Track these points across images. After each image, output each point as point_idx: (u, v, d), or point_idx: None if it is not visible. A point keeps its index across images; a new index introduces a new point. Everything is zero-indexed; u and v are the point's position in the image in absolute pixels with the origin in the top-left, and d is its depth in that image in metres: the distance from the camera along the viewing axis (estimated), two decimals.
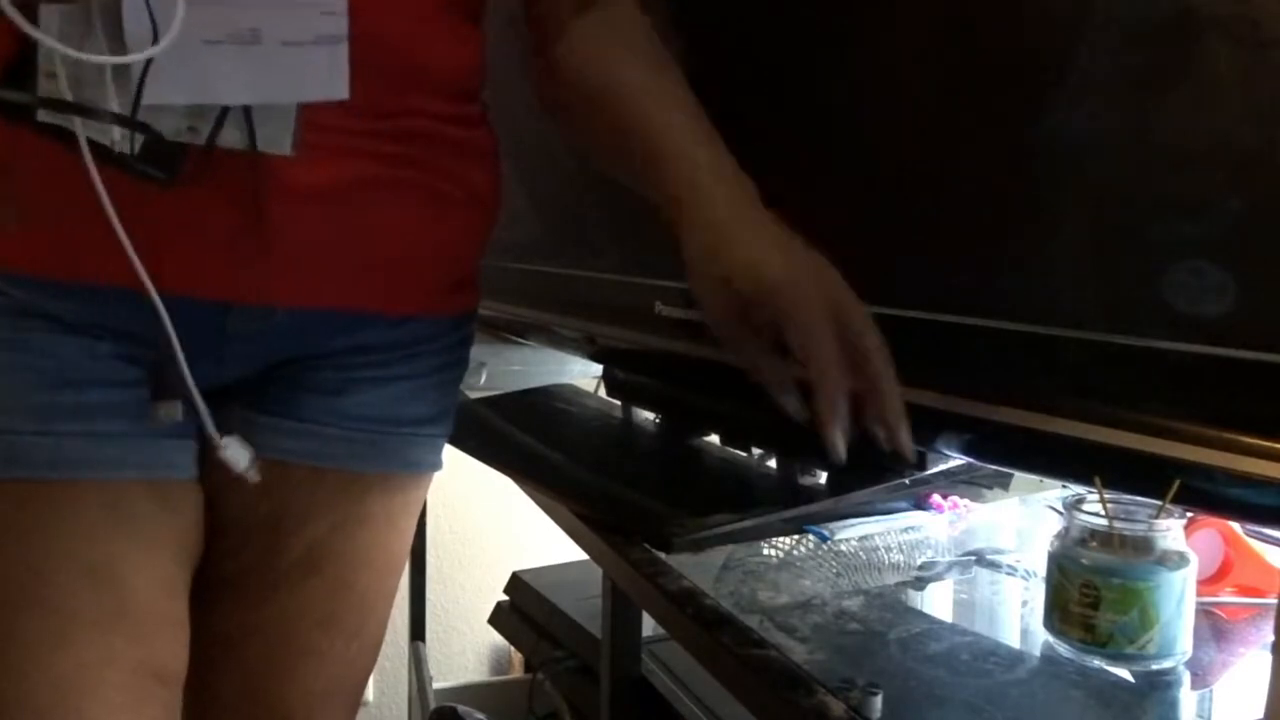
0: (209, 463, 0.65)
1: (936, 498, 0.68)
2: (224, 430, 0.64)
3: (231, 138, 0.58)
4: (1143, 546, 0.47)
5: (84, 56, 0.51)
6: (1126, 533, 0.48)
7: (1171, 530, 0.47)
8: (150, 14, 0.52)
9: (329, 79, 0.57)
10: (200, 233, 0.60)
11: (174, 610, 0.64)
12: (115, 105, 0.54)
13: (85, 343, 0.62)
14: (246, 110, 0.58)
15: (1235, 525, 0.57)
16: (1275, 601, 0.56)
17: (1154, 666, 0.48)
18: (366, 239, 0.65)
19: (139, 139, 0.56)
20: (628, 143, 0.61)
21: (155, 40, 0.52)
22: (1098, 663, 0.48)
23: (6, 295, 0.61)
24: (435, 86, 0.65)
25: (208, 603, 0.68)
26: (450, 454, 0.77)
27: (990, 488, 0.70)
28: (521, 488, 0.74)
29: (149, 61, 0.53)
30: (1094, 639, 0.48)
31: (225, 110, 0.57)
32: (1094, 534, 0.48)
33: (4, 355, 0.61)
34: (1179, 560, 0.47)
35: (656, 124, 0.60)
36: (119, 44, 0.52)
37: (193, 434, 0.64)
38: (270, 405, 0.69)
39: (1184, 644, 0.48)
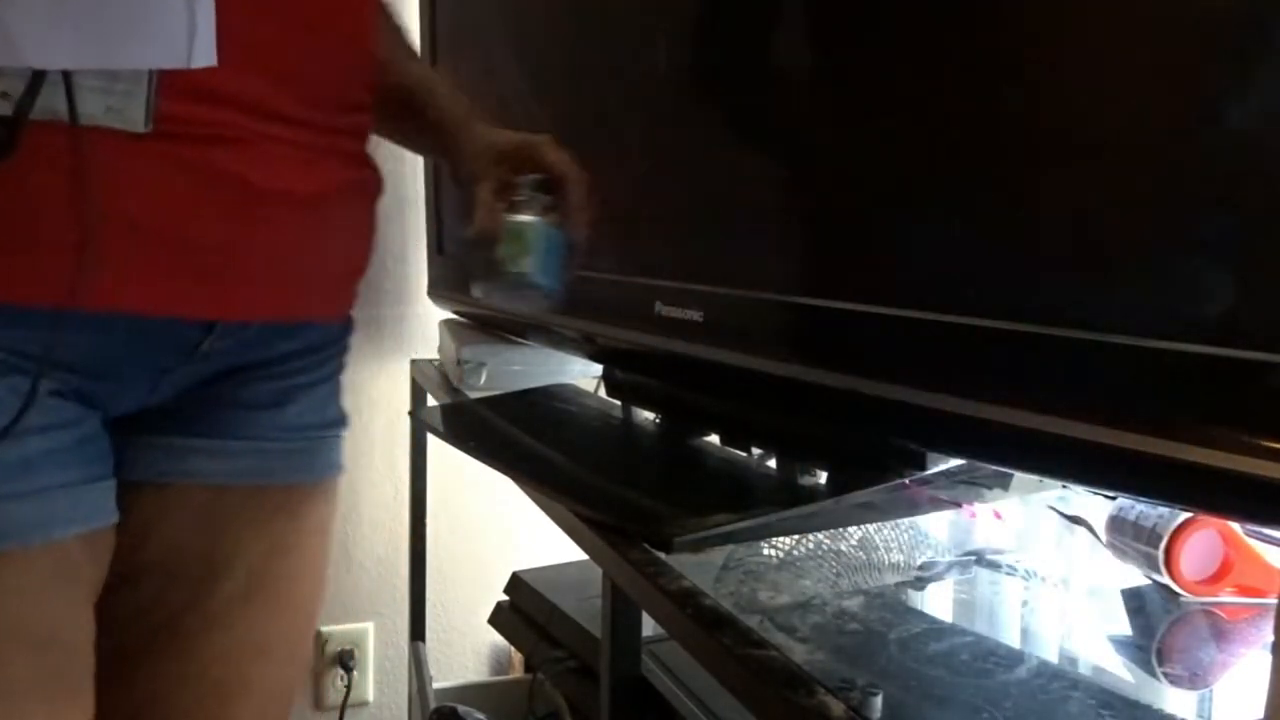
0: (131, 504, 0.61)
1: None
2: (136, 462, 0.61)
3: (48, 105, 0.47)
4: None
5: None
6: None
7: None
8: None
9: (167, 38, 0.46)
10: (182, 246, 0.55)
11: (92, 660, 0.59)
12: None
13: (16, 382, 0.53)
14: (66, 75, 0.47)
15: (1235, 525, 0.57)
16: (1275, 601, 0.56)
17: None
18: (332, 244, 0.63)
19: None
20: (418, 119, 0.76)
21: None
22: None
23: None
24: (369, 77, 0.66)
25: (134, 658, 0.63)
26: (450, 454, 0.78)
27: (990, 488, 0.70)
28: (521, 488, 0.74)
29: None
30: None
31: (39, 75, 0.47)
32: None
33: None
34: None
35: (440, 102, 0.76)
36: None
37: (112, 473, 0.60)
38: (206, 428, 0.65)
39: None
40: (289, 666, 0.71)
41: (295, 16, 0.57)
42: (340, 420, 0.73)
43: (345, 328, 0.73)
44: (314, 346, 0.68)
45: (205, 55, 0.49)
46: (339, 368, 0.73)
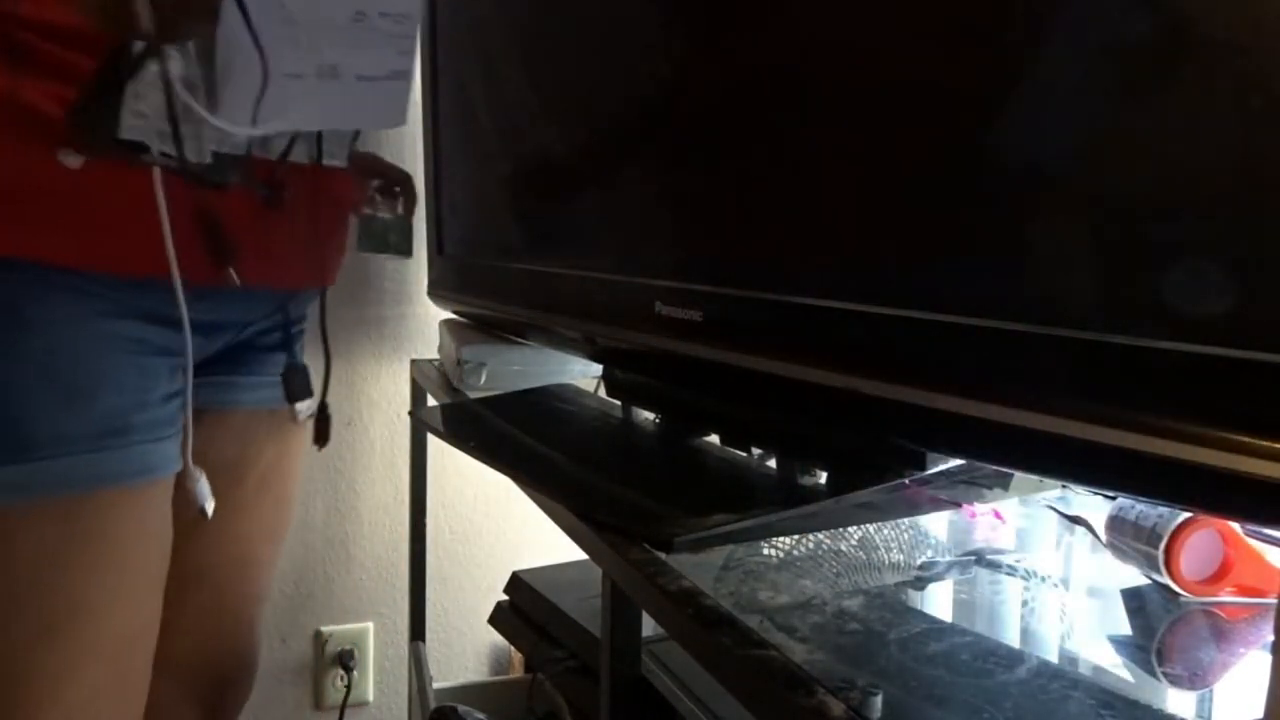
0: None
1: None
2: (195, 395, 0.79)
3: (300, 154, 0.74)
4: None
5: (220, 124, 0.60)
6: None
7: None
8: (259, 50, 0.58)
9: (391, 110, 0.65)
10: (286, 236, 0.79)
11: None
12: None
13: (166, 361, 0.75)
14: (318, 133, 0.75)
15: (1235, 525, 0.57)
16: (1275, 601, 0.56)
17: None
18: (344, 225, 0.92)
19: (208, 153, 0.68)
20: None
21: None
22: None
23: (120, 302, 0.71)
24: None
25: (182, 539, 0.81)
26: (450, 454, 0.80)
27: (990, 488, 0.70)
28: (521, 488, 0.74)
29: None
30: None
31: (297, 133, 0.72)
32: None
33: (131, 360, 0.72)
34: None
35: None
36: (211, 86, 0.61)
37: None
38: (243, 368, 0.88)
39: None
40: (282, 545, 0.97)
41: None
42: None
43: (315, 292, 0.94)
44: (304, 305, 0.93)
45: (402, 118, 0.71)
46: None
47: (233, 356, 0.87)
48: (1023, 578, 0.61)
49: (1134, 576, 0.60)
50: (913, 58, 0.51)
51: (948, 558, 0.63)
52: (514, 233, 1.02)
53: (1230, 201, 0.37)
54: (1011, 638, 0.55)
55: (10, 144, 0.65)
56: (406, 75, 0.66)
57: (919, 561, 0.62)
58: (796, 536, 0.64)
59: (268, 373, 0.90)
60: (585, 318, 0.83)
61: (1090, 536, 0.66)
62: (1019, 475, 0.69)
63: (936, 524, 0.69)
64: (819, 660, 0.46)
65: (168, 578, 0.80)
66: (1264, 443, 0.35)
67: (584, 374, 1.08)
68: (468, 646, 1.58)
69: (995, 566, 0.62)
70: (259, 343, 0.89)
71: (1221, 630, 0.54)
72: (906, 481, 0.64)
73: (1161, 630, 0.56)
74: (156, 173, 0.66)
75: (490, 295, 1.06)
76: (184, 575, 0.84)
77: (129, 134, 0.62)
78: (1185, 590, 0.57)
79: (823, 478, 0.67)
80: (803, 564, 0.61)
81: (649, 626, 0.66)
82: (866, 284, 0.54)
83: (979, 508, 0.70)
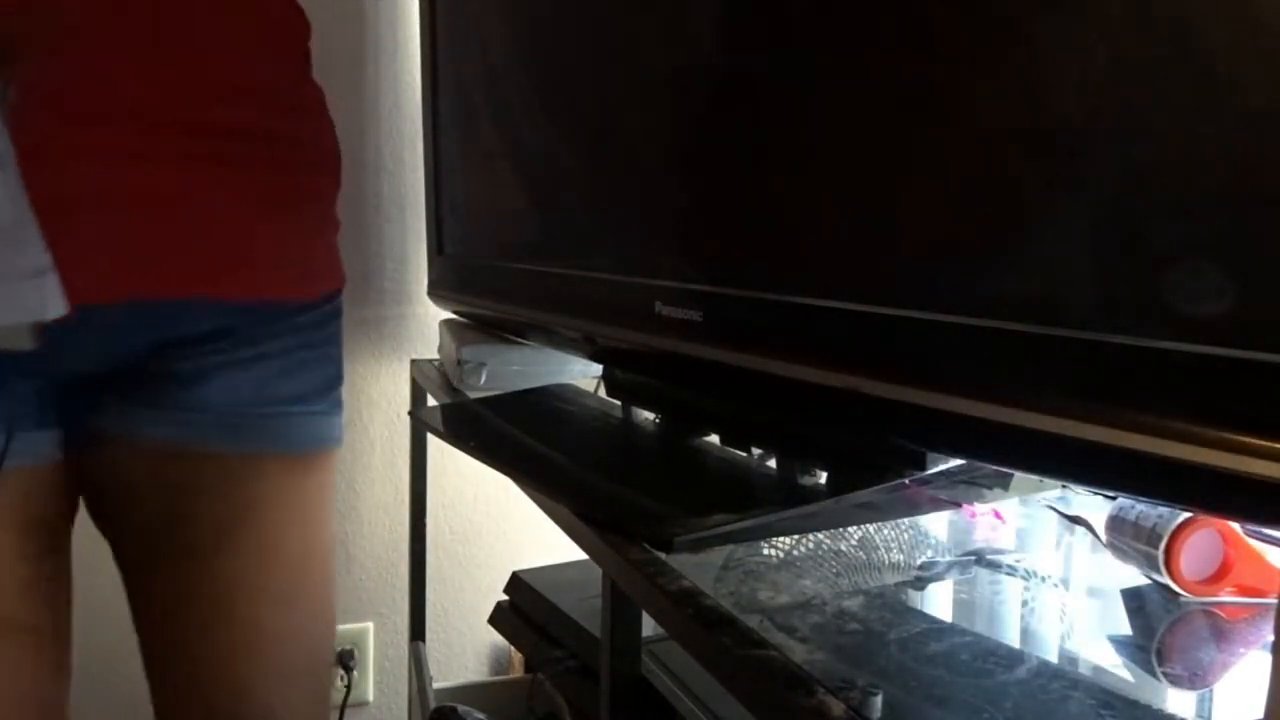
0: (97, 452, 0.76)
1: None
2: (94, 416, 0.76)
3: None
4: None
5: None
6: None
7: None
8: None
9: (46, 302, 0.67)
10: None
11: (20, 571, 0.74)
12: None
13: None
14: None
15: (1235, 525, 0.57)
16: (1275, 601, 0.56)
17: None
18: (191, 233, 0.73)
19: None
20: None
21: None
22: None
23: None
24: (236, 90, 0.74)
25: (146, 569, 0.77)
26: (450, 454, 0.79)
27: (990, 488, 0.70)
28: (521, 488, 0.74)
29: None
30: None
31: None
32: None
33: None
34: None
35: None
36: None
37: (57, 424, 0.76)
38: (143, 396, 0.76)
39: None
40: (291, 612, 0.80)
41: None
42: (299, 397, 0.80)
43: (276, 314, 0.79)
44: (225, 329, 0.76)
45: (61, 307, 0.67)
46: (299, 344, 0.80)
47: (136, 382, 0.76)
48: (1023, 578, 0.61)
49: (1134, 576, 0.60)
50: (910, 56, 0.51)
51: (948, 558, 0.63)
52: (514, 233, 1.02)
53: (1230, 201, 0.37)
54: (1011, 638, 0.55)
55: None
56: (43, 271, 0.67)
57: (919, 561, 0.62)
58: (796, 536, 0.64)
59: (173, 406, 0.76)
60: (585, 318, 0.83)
61: (1090, 536, 0.66)
62: (1019, 475, 0.69)
63: (936, 524, 0.69)
64: (819, 660, 0.46)
65: (145, 612, 0.78)
66: (1264, 443, 0.35)
67: (584, 374, 1.08)
68: (468, 646, 1.58)
69: (995, 566, 0.62)
70: (164, 372, 0.76)
71: (1221, 630, 0.54)
72: (906, 481, 0.64)
73: (1161, 630, 0.56)
74: None
75: (490, 295, 1.06)
76: (152, 607, 0.79)
77: None
78: (1185, 590, 0.57)
79: (823, 478, 0.67)
80: (803, 564, 0.61)
81: (649, 626, 0.66)
82: (866, 284, 0.54)
83: (979, 508, 0.70)
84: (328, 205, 0.84)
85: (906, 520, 0.69)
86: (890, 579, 0.59)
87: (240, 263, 0.75)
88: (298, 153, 0.78)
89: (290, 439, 0.79)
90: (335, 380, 0.84)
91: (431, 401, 1.22)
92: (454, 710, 1.12)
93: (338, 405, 0.83)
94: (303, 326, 0.80)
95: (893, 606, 0.55)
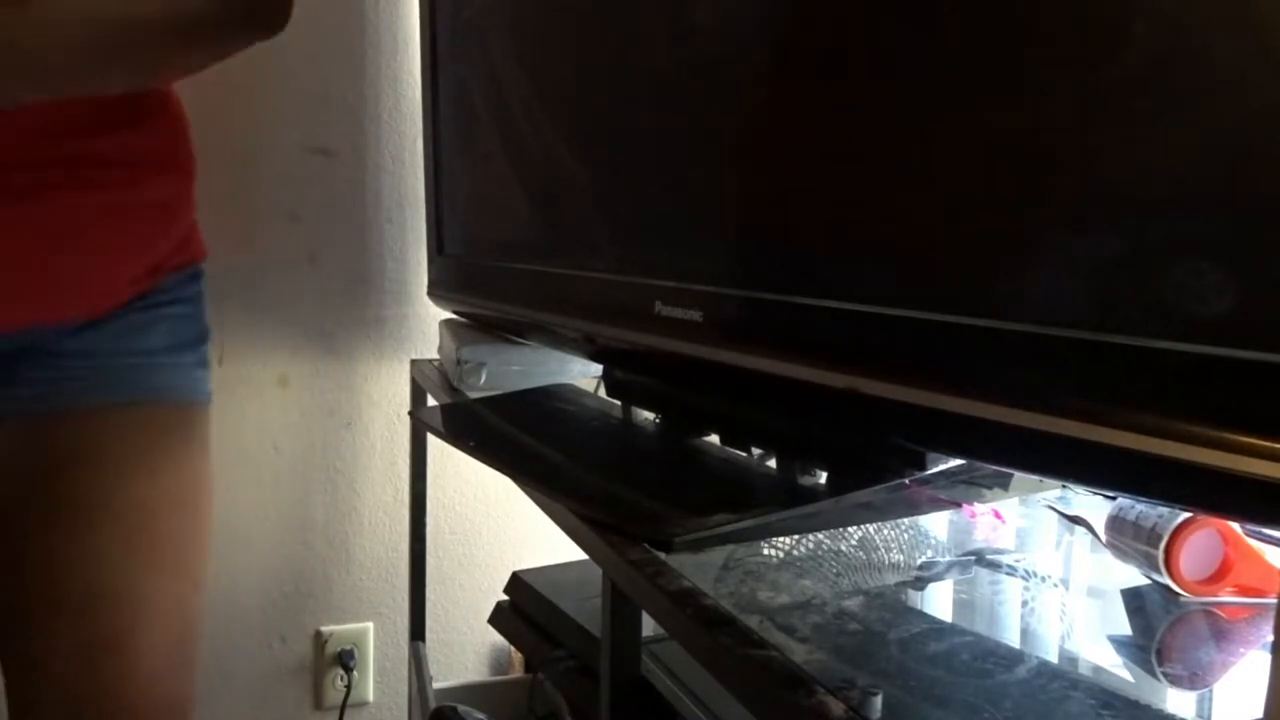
0: None
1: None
2: None
3: None
4: None
5: None
6: None
7: None
8: None
9: None
10: None
11: None
12: None
13: None
14: None
15: (1235, 525, 0.57)
16: (1275, 601, 0.56)
17: None
18: (30, 260, 0.76)
19: None
20: None
21: None
22: None
23: None
24: (68, 121, 0.76)
25: (26, 534, 0.78)
26: (450, 454, 0.78)
27: (990, 488, 0.70)
28: (521, 488, 0.74)
29: None
30: None
31: None
32: None
33: None
34: None
35: None
36: None
37: None
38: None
39: None
40: (172, 581, 0.82)
41: None
42: (159, 349, 0.84)
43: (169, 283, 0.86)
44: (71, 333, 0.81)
45: None
46: (156, 304, 0.85)
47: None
48: (1023, 578, 0.61)
49: (1134, 576, 0.60)
50: (909, 56, 0.51)
51: (948, 558, 0.63)
52: (514, 233, 1.02)
53: (1231, 200, 0.37)
54: (1011, 638, 0.55)
55: None
56: None
57: (919, 561, 0.62)
58: (796, 536, 0.64)
59: (27, 378, 0.81)
60: (585, 318, 0.83)
61: (1090, 536, 0.66)
62: (1019, 475, 0.69)
63: (936, 524, 0.69)
64: (819, 660, 0.46)
65: (22, 578, 0.78)
66: (1264, 443, 0.35)
67: (584, 374, 1.08)
68: (468, 646, 1.58)
69: (995, 566, 0.62)
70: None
71: (1221, 630, 0.54)
72: (906, 481, 0.64)
73: (1161, 630, 0.56)
74: None
75: (490, 295, 1.06)
76: (34, 573, 0.79)
77: None
78: (1185, 590, 0.57)
79: (823, 478, 0.67)
80: (803, 564, 0.61)
81: (649, 626, 0.66)
82: (866, 284, 0.54)
83: (979, 508, 0.70)
84: (171, 200, 0.86)
85: (906, 520, 0.69)
86: (890, 579, 0.59)
87: (93, 281, 0.81)
88: (111, 170, 0.80)
89: (146, 386, 0.83)
90: (195, 341, 0.88)
91: (431, 401, 1.22)
92: (454, 710, 1.12)
93: (199, 361, 0.88)
94: (165, 301, 0.86)
95: (893, 606, 0.55)
